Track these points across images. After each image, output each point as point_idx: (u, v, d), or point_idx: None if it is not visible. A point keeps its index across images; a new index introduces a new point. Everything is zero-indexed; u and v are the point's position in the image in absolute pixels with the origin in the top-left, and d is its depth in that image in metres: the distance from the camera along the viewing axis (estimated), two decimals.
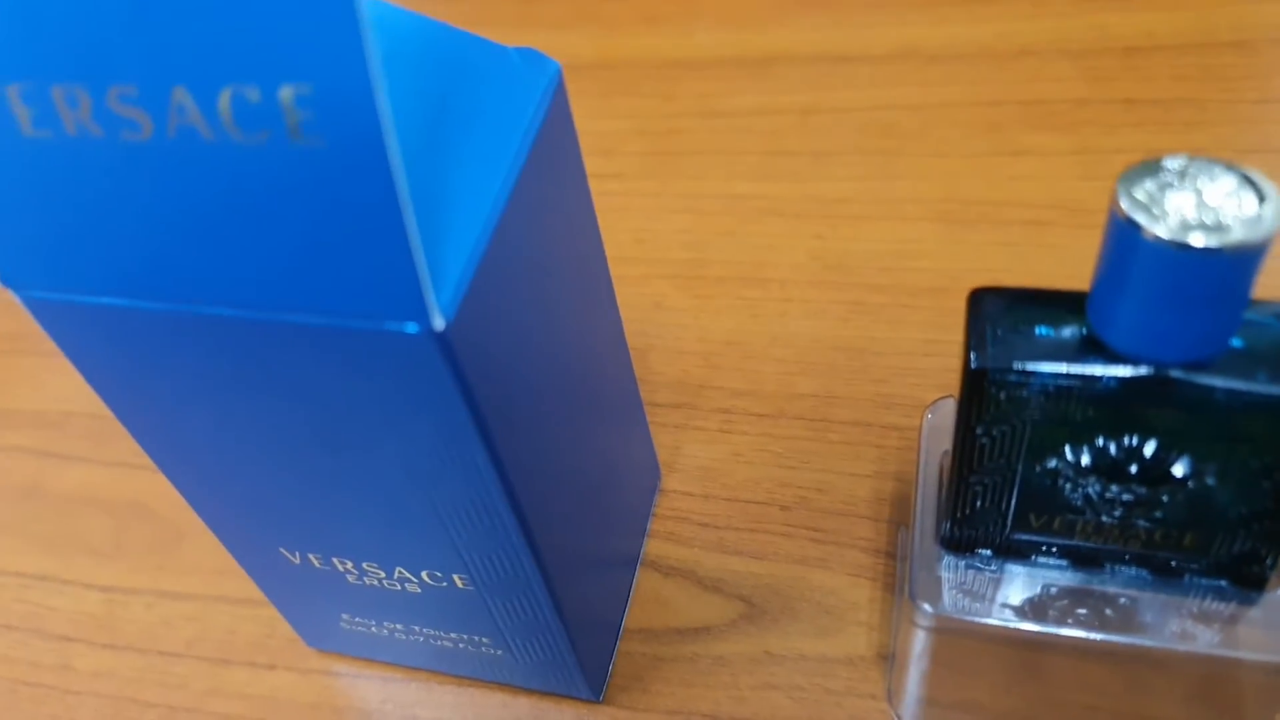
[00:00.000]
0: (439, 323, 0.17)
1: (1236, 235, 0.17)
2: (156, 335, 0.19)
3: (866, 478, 0.33)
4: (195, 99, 0.16)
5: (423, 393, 0.19)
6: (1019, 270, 0.38)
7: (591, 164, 0.24)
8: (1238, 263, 0.17)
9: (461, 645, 0.28)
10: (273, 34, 0.15)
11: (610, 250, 0.27)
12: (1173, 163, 0.18)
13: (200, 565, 0.35)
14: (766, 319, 0.38)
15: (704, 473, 0.34)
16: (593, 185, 0.25)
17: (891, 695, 0.29)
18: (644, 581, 0.32)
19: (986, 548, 0.24)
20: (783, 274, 0.40)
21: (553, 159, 0.21)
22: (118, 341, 0.20)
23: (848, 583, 0.31)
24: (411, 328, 0.17)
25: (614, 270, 0.27)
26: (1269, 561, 0.22)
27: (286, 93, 0.15)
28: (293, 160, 0.16)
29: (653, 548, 0.33)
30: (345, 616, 0.28)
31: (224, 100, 0.16)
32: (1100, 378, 0.19)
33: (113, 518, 0.37)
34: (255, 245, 0.17)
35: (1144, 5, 0.48)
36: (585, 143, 0.23)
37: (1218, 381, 0.19)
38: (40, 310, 0.20)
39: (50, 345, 0.43)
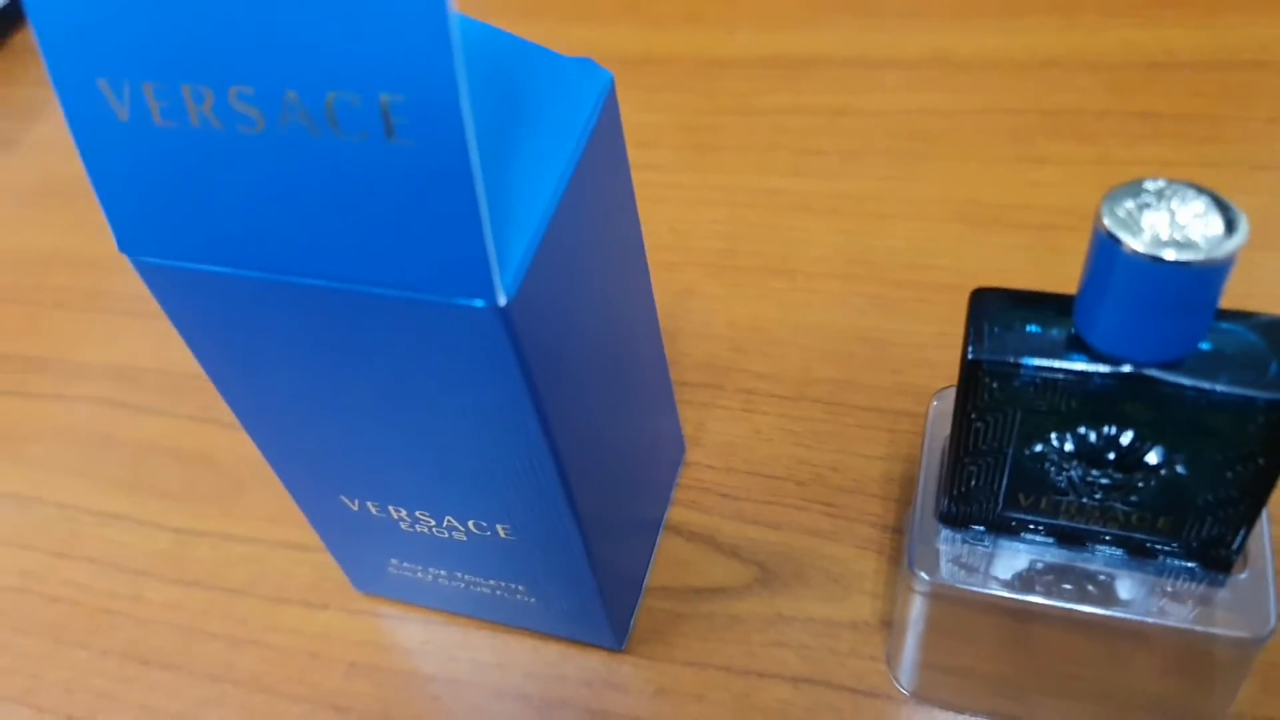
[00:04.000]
0: (502, 299, 0.20)
1: (1202, 253, 0.19)
2: (253, 300, 0.22)
3: (878, 459, 0.36)
4: (304, 100, 0.18)
5: (485, 361, 0.21)
6: (1031, 272, 0.40)
7: (632, 155, 0.26)
8: (1203, 276, 0.20)
9: (499, 592, 0.31)
10: (377, 48, 0.17)
11: (647, 239, 0.29)
12: (1152, 184, 0.20)
13: (259, 512, 0.38)
14: (791, 308, 0.41)
15: (726, 448, 0.37)
16: (633, 176, 0.27)
17: (890, 658, 0.31)
18: (666, 544, 0.35)
19: (981, 524, 0.27)
20: (808, 266, 0.42)
21: (603, 158, 0.24)
22: (217, 305, 0.23)
23: (855, 554, 0.34)
24: (479, 303, 0.20)
25: (650, 257, 0.30)
26: (1234, 546, 0.24)
27: (385, 99, 0.18)
28: (386, 156, 0.19)
29: (676, 514, 0.35)
30: (394, 561, 0.31)
31: (330, 102, 0.18)
32: (1081, 373, 0.22)
33: (181, 466, 0.40)
34: (348, 226, 0.20)
35: (1168, 22, 0.49)
36: (627, 135, 0.25)
37: (1185, 380, 0.21)
38: (151, 274, 0.23)
39: (124, 304, 0.46)
